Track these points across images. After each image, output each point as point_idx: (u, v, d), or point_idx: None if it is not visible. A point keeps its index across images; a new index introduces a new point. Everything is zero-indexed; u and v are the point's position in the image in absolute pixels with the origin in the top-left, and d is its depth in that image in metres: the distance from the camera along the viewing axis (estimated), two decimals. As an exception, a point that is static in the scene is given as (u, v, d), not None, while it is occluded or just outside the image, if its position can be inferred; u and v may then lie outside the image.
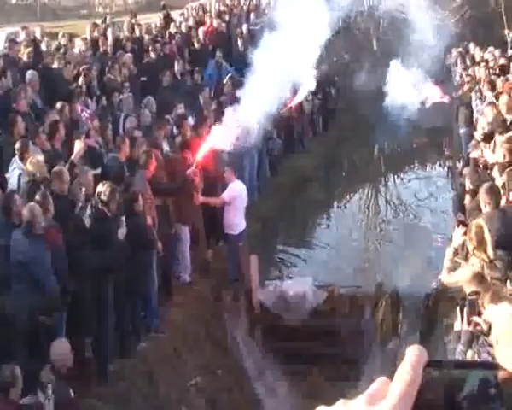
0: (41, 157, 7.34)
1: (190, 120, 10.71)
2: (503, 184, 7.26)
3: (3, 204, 6.64)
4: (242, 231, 9.19)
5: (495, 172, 7.86)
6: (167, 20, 14.67)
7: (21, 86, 9.21)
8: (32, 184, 6.91)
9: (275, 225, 11.03)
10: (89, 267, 6.79)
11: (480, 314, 5.08)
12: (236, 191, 9.08)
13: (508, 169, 7.44)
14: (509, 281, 5.49)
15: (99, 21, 14.09)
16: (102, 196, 7.10)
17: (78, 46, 12.02)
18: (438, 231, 10.62)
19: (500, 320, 4.14)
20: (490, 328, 4.56)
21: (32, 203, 6.39)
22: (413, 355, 0.69)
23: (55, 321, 6.49)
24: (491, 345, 4.57)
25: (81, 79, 10.45)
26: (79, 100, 9.79)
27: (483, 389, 0.68)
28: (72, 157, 7.63)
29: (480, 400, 0.67)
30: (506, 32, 14.24)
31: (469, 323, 5.31)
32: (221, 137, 8.58)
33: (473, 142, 10.12)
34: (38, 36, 12.05)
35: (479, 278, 5.34)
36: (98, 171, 8.17)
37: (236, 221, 9.11)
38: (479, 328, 5.04)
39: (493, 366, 0.69)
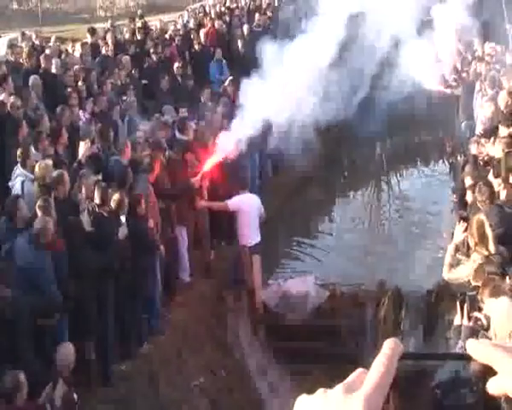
0: (50, 161, 7.39)
1: (192, 124, 10.75)
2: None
3: (8, 208, 6.71)
4: (255, 244, 9.02)
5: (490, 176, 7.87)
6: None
7: (25, 91, 9.29)
8: (41, 189, 6.99)
9: (276, 225, 11.03)
10: (89, 269, 6.85)
11: (480, 310, 5.08)
12: (243, 203, 8.93)
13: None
14: (508, 276, 5.50)
15: (100, 25, 14.14)
16: (96, 199, 7.19)
17: (78, 51, 12.09)
18: (440, 227, 10.59)
19: (498, 314, 4.17)
20: (489, 323, 4.58)
21: (44, 216, 6.44)
22: (388, 348, 0.72)
23: (57, 324, 6.54)
24: (490, 339, 4.58)
25: (80, 83, 10.52)
26: (78, 104, 9.86)
27: (454, 377, 0.71)
28: (80, 157, 7.68)
29: (451, 387, 0.71)
30: (507, 26, 14.16)
31: (469, 318, 5.30)
32: (225, 143, 8.63)
33: (473, 137, 10.10)
34: (37, 41, 12.15)
35: (482, 270, 5.37)
36: (99, 177, 8.21)
37: (245, 232, 8.97)
38: (479, 323, 5.04)
39: (465, 357, 0.72)
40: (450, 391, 0.71)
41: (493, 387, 0.70)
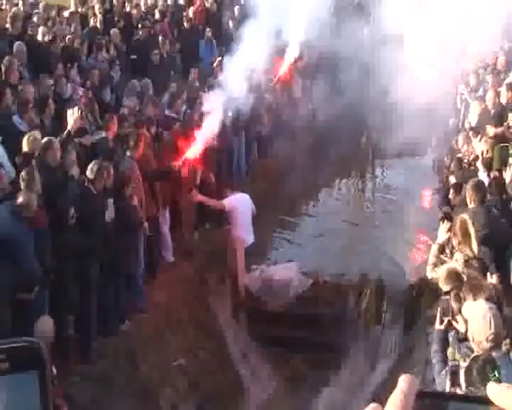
0: (38, 134, 7.18)
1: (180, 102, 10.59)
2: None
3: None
4: (249, 245, 8.99)
5: (479, 164, 7.93)
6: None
7: (10, 57, 9.02)
8: (23, 159, 6.80)
9: (262, 210, 11.01)
10: (72, 248, 6.73)
11: (453, 314, 5.01)
12: (239, 203, 8.89)
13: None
14: (489, 275, 5.50)
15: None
16: (89, 174, 7.03)
17: (65, 19, 11.81)
18: (424, 222, 10.64)
19: (475, 317, 4.15)
20: (466, 326, 4.51)
21: (28, 190, 6.26)
22: (405, 383, 0.72)
23: (37, 298, 6.40)
24: (466, 339, 4.54)
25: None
26: (64, 74, 9.64)
27: None
28: (70, 128, 7.51)
29: None
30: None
31: (441, 322, 5.23)
32: (209, 126, 8.60)
33: (459, 138, 10.12)
34: (22, 7, 11.83)
35: (454, 276, 5.31)
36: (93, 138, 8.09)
37: (240, 234, 8.90)
38: (453, 327, 4.98)
39: (485, 401, 0.71)
40: None
41: None
